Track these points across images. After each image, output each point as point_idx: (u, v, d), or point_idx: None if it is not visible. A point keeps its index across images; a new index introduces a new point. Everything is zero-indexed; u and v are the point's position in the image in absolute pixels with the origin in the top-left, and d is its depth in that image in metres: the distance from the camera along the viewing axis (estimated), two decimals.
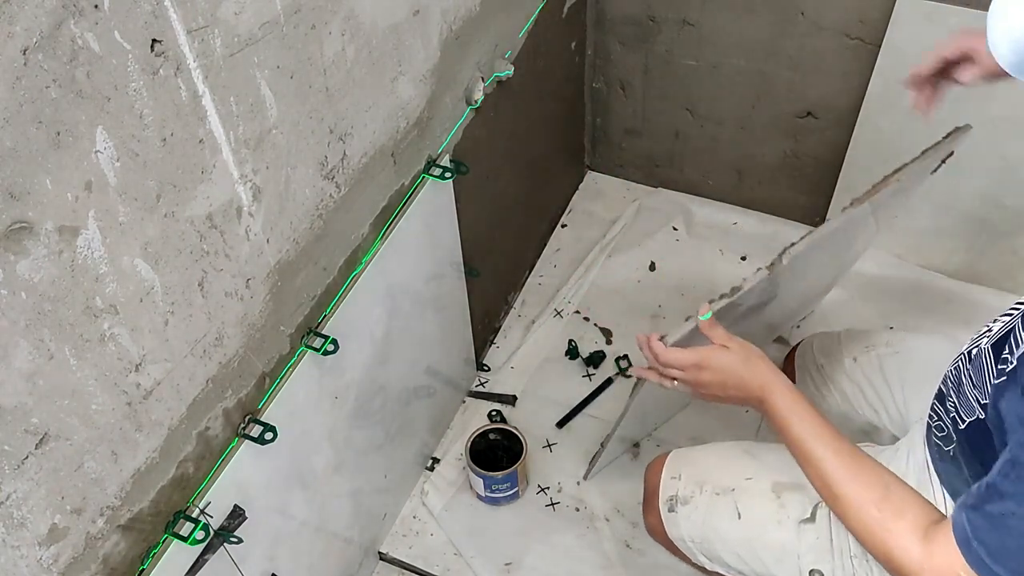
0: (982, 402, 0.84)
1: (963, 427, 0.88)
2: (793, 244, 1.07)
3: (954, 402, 0.90)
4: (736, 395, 1.00)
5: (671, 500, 1.14)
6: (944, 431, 0.94)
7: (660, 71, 1.86)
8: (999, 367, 0.81)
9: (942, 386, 0.95)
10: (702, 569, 1.18)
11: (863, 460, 0.91)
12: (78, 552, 0.80)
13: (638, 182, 2.11)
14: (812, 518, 1.04)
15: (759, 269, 1.06)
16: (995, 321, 0.88)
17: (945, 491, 0.95)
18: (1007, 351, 0.80)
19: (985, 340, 0.86)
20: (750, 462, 1.12)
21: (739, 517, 1.08)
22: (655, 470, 1.18)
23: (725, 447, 1.18)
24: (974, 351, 0.88)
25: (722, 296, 1.06)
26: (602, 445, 1.50)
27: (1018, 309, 0.84)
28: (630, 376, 1.74)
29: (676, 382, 1.05)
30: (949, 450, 0.93)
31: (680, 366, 1.03)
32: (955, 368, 0.92)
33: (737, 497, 1.09)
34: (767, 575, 1.08)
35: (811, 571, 1.04)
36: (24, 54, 0.60)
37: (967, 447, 0.89)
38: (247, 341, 0.96)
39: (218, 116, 0.80)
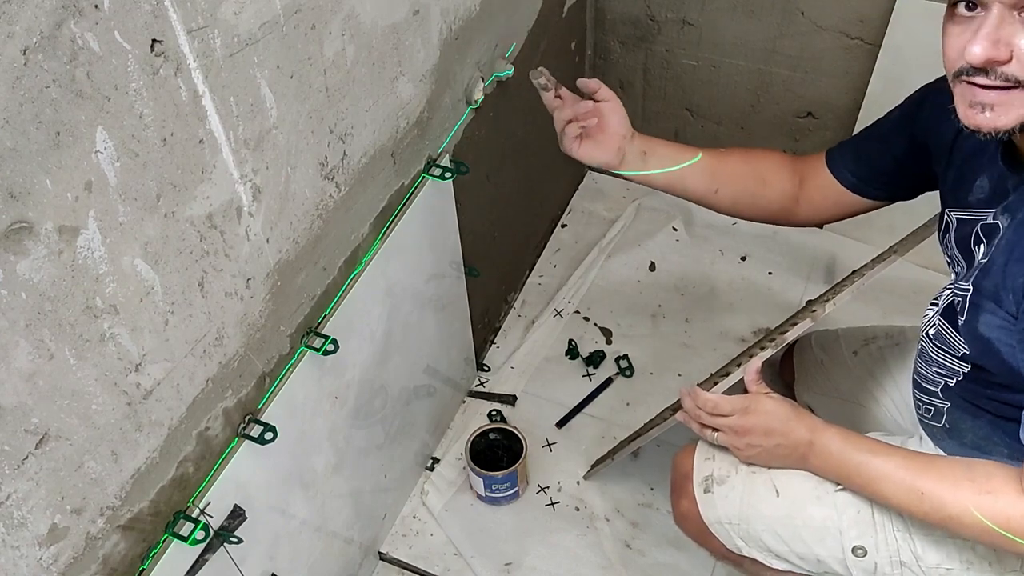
0: (959, 354, 0.93)
1: (953, 385, 0.95)
2: (837, 293, 1.07)
3: (936, 372, 0.98)
4: (781, 442, 1.01)
5: (707, 480, 1.11)
6: (932, 409, 1.01)
7: (660, 71, 1.86)
8: (957, 311, 0.90)
9: (915, 376, 1.04)
10: (732, 558, 1.15)
11: (930, 455, 0.95)
12: (78, 552, 0.80)
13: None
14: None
15: (802, 320, 1.06)
16: (934, 302, 0.98)
17: None
18: (956, 302, 0.90)
19: (936, 317, 0.96)
20: None
21: (777, 495, 1.06)
22: (686, 455, 1.15)
23: None
24: (931, 330, 0.97)
25: (764, 347, 1.06)
26: (612, 457, 1.49)
27: (949, 287, 0.95)
28: (630, 376, 1.75)
29: (717, 434, 1.06)
30: (943, 424, 0.99)
31: (727, 411, 1.04)
32: (921, 351, 1.00)
33: (774, 475, 1.07)
34: (809, 555, 1.05)
35: (854, 548, 1.02)
36: (24, 54, 0.60)
37: (964, 402, 0.95)
38: (247, 341, 0.96)
39: (218, 116, 0.80)
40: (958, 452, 1.00)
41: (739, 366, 1.07)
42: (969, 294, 0.89)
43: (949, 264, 0.98)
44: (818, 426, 1.00)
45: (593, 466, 1.59)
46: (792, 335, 1.06)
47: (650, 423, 1.43)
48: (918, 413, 1.06)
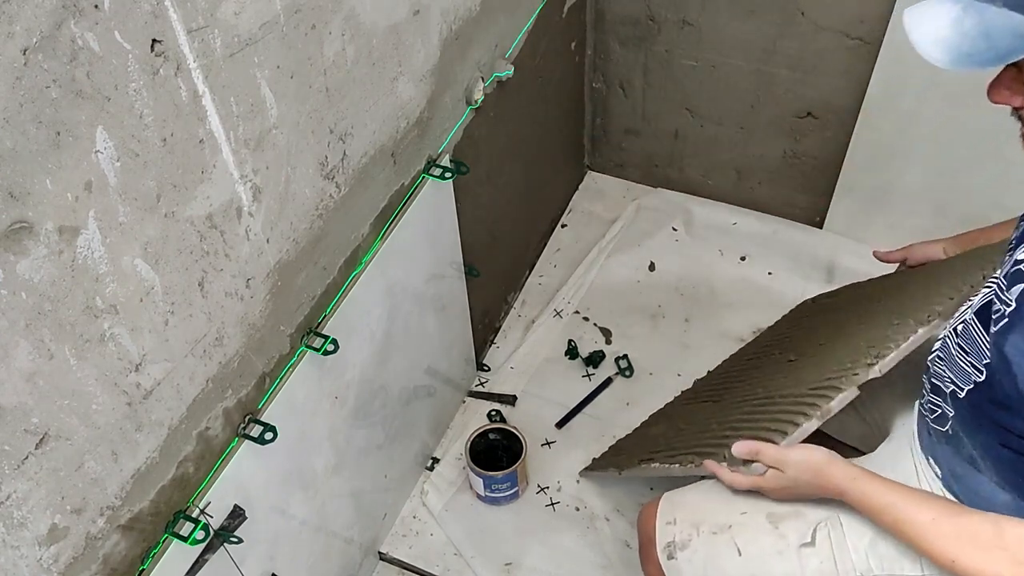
0: (980, 364, 0.88)
1: (962, 395, 0.91)
2: (880, 356, 1.04)
3: (950, 377, 0.94)
4: (810, 494, 1.02)
5: (669, 547, 1.11)
6: (938, 411, 0.98)
7: (660, 71, 1.86)
8: (994, 317, 0.85)
9: (928, 375, 1.00)
10: None
11: (963, 512, 0.92)
12: (78, 552, 0.80)
13: (638, 182, 2.11)
14: (812, 542, 1.03)
15: (847, 387, 1.03)
16: (970, 300, 0.94)
17: (943, 487, 0.98)
18: (995, 308, 0.85)
19: (968, 313, 0.91)
20: (742, 496, 1.10)
21: (740, 554, 1.06)
22: (648, 518, 1.16)
23: (715, 484, 1.15)
24: (959, 326, 0.92)
25: (808, 414, 1.04)
26: (619, 471, 1.48)
27: (994, 281, 0.89)
28: (629, 376, 1.75)
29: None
30: (947, 429, 0.97)
31: (742, 487, 1.06)
32: (942, 347, 0.96)
33: (735, 534, 1.07)
34: None
35: None
36: (24, 54, 0.60)
37: (968, 414, 0.92)
38: (247, 341, 0.96)
39: (218, 116, 0.80)
40: (952, 461, 0.98)
41: (784, 433, 1.05)
42: (1010, 308, 0.85)
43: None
44: (842, 486, 0.97)
45: (593, 467, 1.59)
46: (837, 405, 1.02)
47: (668, 455, 1.36)
48: (922, 413, 1.04)
